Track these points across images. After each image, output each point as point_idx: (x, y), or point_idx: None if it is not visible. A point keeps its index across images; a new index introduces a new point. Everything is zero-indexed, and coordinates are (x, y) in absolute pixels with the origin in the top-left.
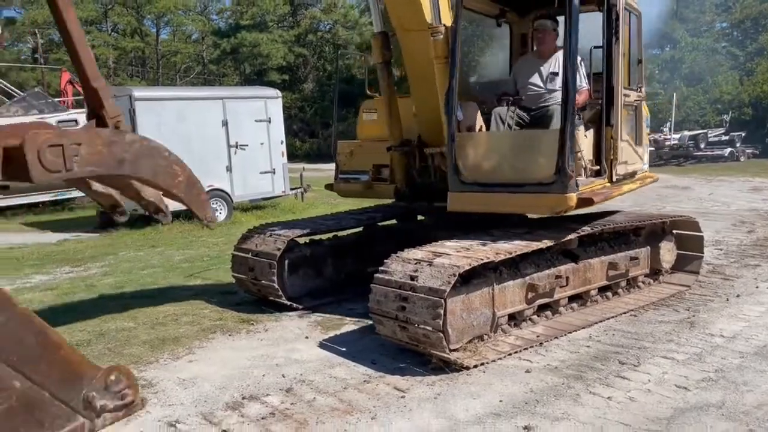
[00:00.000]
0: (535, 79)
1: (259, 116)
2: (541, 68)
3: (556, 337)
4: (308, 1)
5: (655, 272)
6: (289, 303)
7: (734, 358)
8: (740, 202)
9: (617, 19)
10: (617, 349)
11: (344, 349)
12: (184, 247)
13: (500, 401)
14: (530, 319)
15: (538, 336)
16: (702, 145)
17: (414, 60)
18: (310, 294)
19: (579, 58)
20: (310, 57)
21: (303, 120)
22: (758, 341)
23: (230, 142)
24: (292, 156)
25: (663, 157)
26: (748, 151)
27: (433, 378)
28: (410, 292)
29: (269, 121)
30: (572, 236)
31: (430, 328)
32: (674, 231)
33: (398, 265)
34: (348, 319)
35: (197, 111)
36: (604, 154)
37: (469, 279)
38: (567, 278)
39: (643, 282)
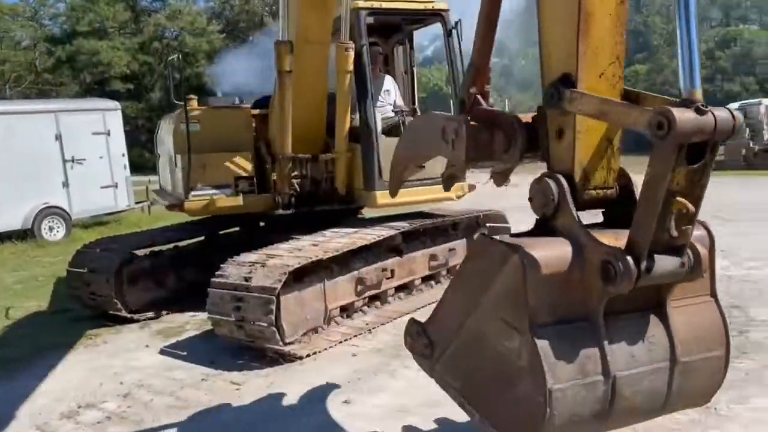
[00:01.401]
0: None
1: (96, 129)
2: (380, 86)
3: (383, 324)
4: (151, 8)
5: None
6: (129, 315)
7: None
8: None
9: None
10: None
11: (185, 353)
12: (17, 269)
13: (326, 382)
14: (361, 310)
15: (367, 324)
16: None
17: (305, 71)
18: (151, 305)
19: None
20: (156, 65)
21: (151, 130)
22: None
23: (66, 157)
24: (140, 168)
25: None
26: None
27: (268, 370)
28: (245, 293)
29: (108, 134)
30: (393, 233)
31: (264, 324)
32: (487, 224)
33: (234, 269)
34: (190, 325)
35: (27, 125)
36: None
37: (302, 277)
38: (393, 271)
39: None
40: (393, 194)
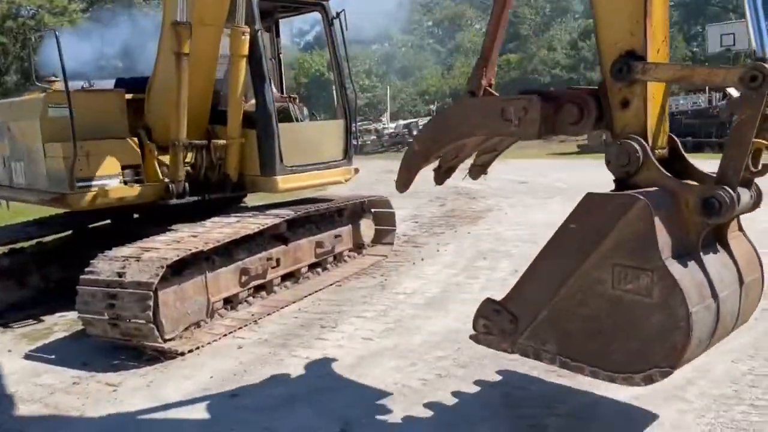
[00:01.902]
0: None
1: None
2: None
3: (269, 314)
4: None
5: (358, 246)
6: None
7: (410, 309)
8: None
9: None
10: (321, 316)
11: (53, 356)
12: None
13: (211, 377)
14: (246, 301)
15: (252, 315)
16: (415, 133)
17: (198, 55)
18: (13, 307)
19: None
20: (11, 46)
21: None
22: (430, 294)
23: None
24: None
25: (384, 145)
26: None
27: (146, 369)
28: (118, 289)
29: None
30: (277, 221)
31: (141, 321)
32: (372, 209)
33: (105, 264)
34: (58, 327)
35: None
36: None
37: (182, 270)
38: (278, 260)
39: (349, 256)
40: (404, 188)
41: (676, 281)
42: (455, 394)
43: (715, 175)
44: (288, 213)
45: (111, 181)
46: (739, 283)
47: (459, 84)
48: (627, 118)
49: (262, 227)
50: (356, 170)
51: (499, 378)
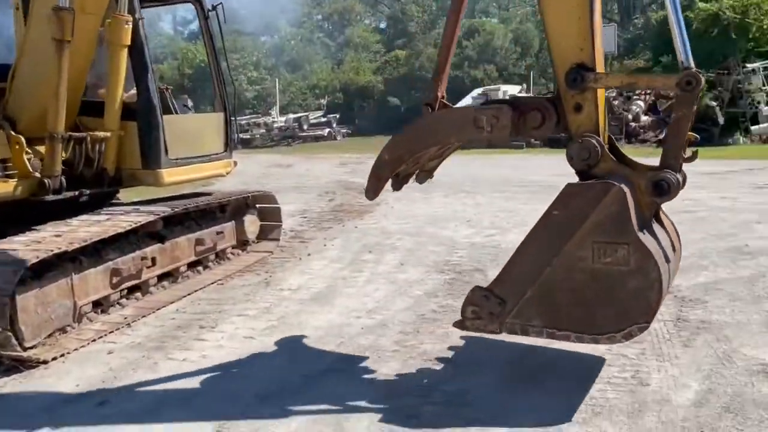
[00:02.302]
0: None
1: None
2: None
3: (144, 316)
4: None
5: (242, 243)
6: None
7: (295, 306)
8: (329, 176)
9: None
10: (200, 316)
11: None
12: None
13: (77, 386)
14: (119, 303)
15: (125, 318)
16: (305, 127)
17: (78, 44)
18: None
19: None
20: None
21: None
22: (315, 289)
23: None
24: None
25: (274, 139)
26: (343, 131)
27: (4, 380)
28: None
29: None
30: (152, 218)
31: None
32: (257, 205)
33: None
34: None
35: None
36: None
37: (43, 272)
38: (154, 259)
39: (232, 253)
40: (374, 195)
41: (649, 250)
42: (337, 388)
43: (643, 164)
44: (164, 210)
45: None
46: (672, 248)
47: (348, 78)
48: (581, 120)
49: (134, 225)
50: (235, 163)
51: (380, 370)
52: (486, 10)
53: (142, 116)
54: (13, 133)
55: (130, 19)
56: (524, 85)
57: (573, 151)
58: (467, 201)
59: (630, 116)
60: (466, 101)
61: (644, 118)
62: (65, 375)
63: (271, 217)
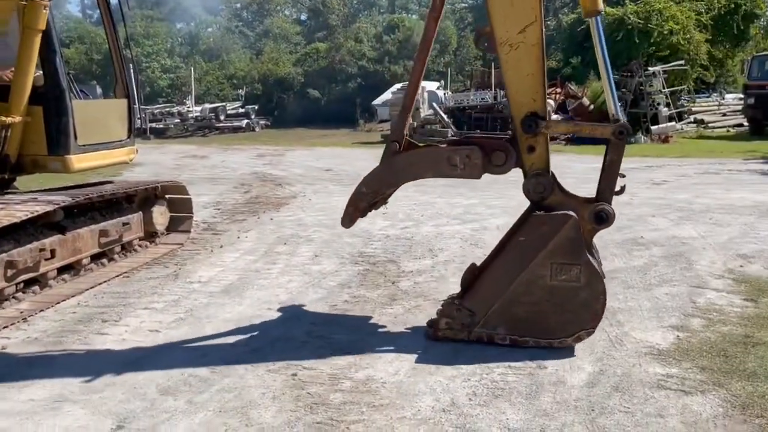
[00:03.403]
0: None
1: None
2: None
3: (42, 310)
4: None
5: (151, 235)
6: None
7: (204, 298)
8: (245, 168)
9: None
10: (103, 310)
11: None
12: None
13: None
14: (14, 297)
15: (21, 312)
16: (222, 117)
17: None
18: None
19: None
20: None
21: None
22: (227, 281)
23: None
24: None
25: (189, 129)
26: (261, 122)
27: None
28: None
29: None
30: (50, 208)
31: None
32: (166, 195)
33: None
34: None
35: None
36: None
37: None
38: (53, 251)
39: (140, 245)
40: (351, 224)
41: (597, 269)
42: (244, 379)
43: (580, 196)
44: (64, 199)
45: None
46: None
47: (268, 69)
48: (533, 159)
49: (31, 215)
50: (137, 150)
51: (290, 361)
52: (406, 6)
53: (50, 101)
54: None
55: (48, 3)
56: (442, 82)
57: (529, 186)
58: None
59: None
60: (386, 96)
61: (554, 117)
62: None
63: (181, 208)
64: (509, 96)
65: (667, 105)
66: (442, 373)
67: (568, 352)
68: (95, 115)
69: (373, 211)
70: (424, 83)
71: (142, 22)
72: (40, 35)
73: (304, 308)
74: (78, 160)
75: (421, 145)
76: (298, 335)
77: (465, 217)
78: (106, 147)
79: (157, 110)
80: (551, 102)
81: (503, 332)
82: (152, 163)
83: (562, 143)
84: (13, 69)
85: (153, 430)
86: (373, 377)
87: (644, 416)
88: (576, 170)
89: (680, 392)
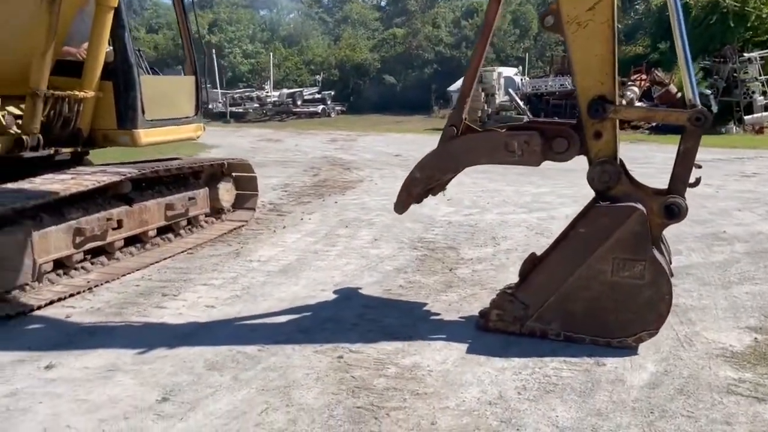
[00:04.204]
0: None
1: None
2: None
3: (108, 282)
4: None
5: (217, 211)
6: None
7: (261, 277)
8: (317, 152)
9: None
10: (164, 284)
11: None
12: None
13: (29, 348)
14: (83, 267)
15: (88, 282)
16: (299, 102)
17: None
18: None
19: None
20: None
21: None
22: (285, 261)
23: None
24: None
25: (267, 113)
26: (337, 108)
27: None
28: None
29: None
30: (116, 178)
31: None
32: (233, 173)
33: None
34: None
35: None
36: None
37: (0, 227)
38: (120, 221)
39: (206, 221)
40: (403, 210)
41: (663, 267)
42: (290, 359)
43: (650, 186)
44: (132, 171)
45: None
46: (670, 262)
47: (345, 55)
48: (600, 146)
49: (98, 184)
50: (204, 128)
51: (338, 343)
52: None
53: (119, 76)
54: None
55: None
56: (520, 68)
57: (594, 174)
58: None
59: (624, 102)
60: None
61: (638, 104)
62: (20, 336)
63: (247, 186)
64: (575, 78)
65: (763, 93)
66: (492, 364)
67: (630, 350)
68: (163, 91)
69: (431, 197)
70: (500, 69)
71: (227, 9)
72: (112, 12)
73: (358, 291)
74: (145, 135)
75: (479, 130)
76: (349, 318)
77: (533, 206)
78: (173, 123)
79: (237, 95)
80: (635, 89)
81: (557, 328)
82: (229, 145)
83: (645, 132)
84: (85, 47)
85: (196, 403)
86: (419, 364)
87: (709, 422)
88: (657, 160)
89: (752, 399)
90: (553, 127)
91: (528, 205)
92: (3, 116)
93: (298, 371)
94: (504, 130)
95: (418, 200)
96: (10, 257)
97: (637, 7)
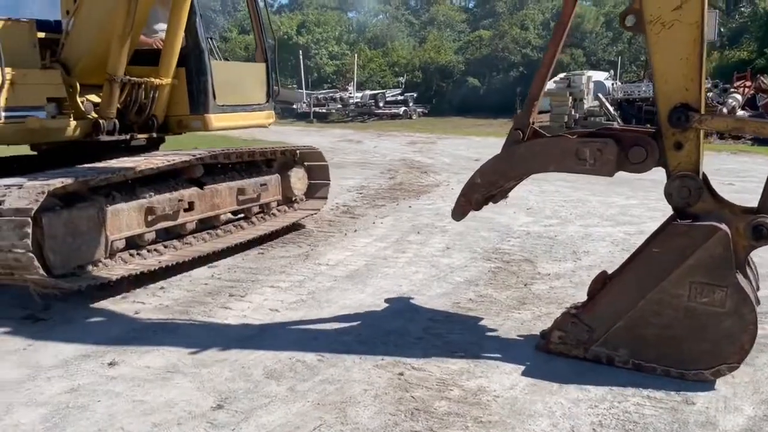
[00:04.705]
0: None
1: None
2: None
3: (178, 263)
4: None
5: (289, 200)
6: None
7: (328, 282)
8: (395, 154)
9: None
10: (232, 284)
11: None
12: None
13: (95, 342)
14: (155, 250)
15: (159, 262)
16: (381, 104)
17: None
18: None
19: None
20: None
21: None
22: (353, 267)
23: None
24: None
25: (349, 114)
26: (419, 110)
27: (33, 329)
28: None
29: None
30: (186, 158)
31: (20, 251)
32: (305, 162)
33: None
34: None
35: None
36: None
37: (74, 203)
38: (192, 203)
39: (278, 210)
40: (461, 217)
41: (747, 295)
42: (349, 372)
43: (737, 205)
44: (202, 153)
45: (38, 113)
46: (757, 287)
47: (429, 57)
48: (680, 158)
49: (168, 163)
50: (275, 115)
51: (400, 357)
52: None
53: (191, 61)
54: (66, 76)
55: None
56: (611, 72)
57: (672, 189)
58: (533, 188)
59: (725, 110)
60: (548, 86)
61: (741, 113)
62: (87, 331)
63: (319, 175)
64: (656, 83)
65: None
66: (566, 393)
67: (723, 387)
68: (234, 78)
69: (491, 204)
70: (590, 73)
71: (315, 11)
72: (189, 2)
73: (425, 302)
74: (216, 119)
75: (547, 135)
76: (414, 331)
77: (620, 219)
78: (244, 109)
79: (321, 95)
80: (738, 96)
81: (626, 355)
82: (309, 144)
83: (748, 143)
84: (158, 36)
85: (250, 413)
86: (485, 388)
87: None
88: (759, 174)
89: None
90: (629, 134)
91: (614, 218)
92: (82, 102)
93: (356, 386)
94: (575, 137)
95: (478, 207)
96: (83, 233)
97: (742, 9)
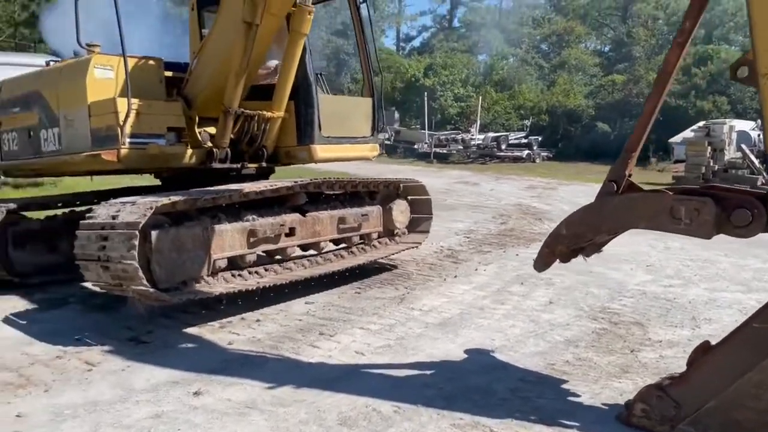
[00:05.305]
0: None
1: None
2: None
3: (275, 285)
4: None
5: (391, 233)
6: (13, 279)
7: (419, 328)
8: (511, 198)
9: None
10: (324, 322)
11: (56, 325)
12: None
13: (186, 369)
14: (257, 272)
15: (258, 283)
16: (503, 146)
17: (264, 29)
18: (42, 271)
19: None
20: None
21: None
22: (447, 314)
23: None
24: None
25: (470, 156)
26: (543, 153)
27: (133, 351)
28: (110, 230)
29: None
30: (288, 183)
31: (128, 262)
32: (408, 196)
33: (104, 209)
34: (74, 298)
35: None
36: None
37: (182, 221)
38: (293, 228)
39: (379, 242)
40: (544, 268)
41: None
42: (424, 428)
43: None
44: (304, 180)
45: (158, 140)
46: None
47: (557, 101)
48: None
49: (270, 187)
50: (379, 148)
51: (481, 418)
52: (726, 37)
53: (300, 94)
54: (187, 109)
55: (313, 9)
56: (758, 122)
57: None
58: (657, 243)
59: None
60: (686, 134)
61: None
62: (182, 357)
63: (422, 209)
64: (767, 138)
65: None
66: None
67: None
68: (340, 111)
69: (584, 258)
70: (734, 122)
71: (444, 54)
72: (303, 39)
73: (517, 360)
74: (322, 150)
75: (642, 189)
76: (500, 390)
77: (753, 284)
78: (349, 141)
79: (443, 136)
80: None
81: None
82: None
83: None
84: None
85: None
86: None
87: None
88: None
89: None
90: (734, 195)
91: (747, 283)
92: (200, 133)
93: None
94: (672, 193)
95: (564, 260)
96: (189, 250)
97: None
